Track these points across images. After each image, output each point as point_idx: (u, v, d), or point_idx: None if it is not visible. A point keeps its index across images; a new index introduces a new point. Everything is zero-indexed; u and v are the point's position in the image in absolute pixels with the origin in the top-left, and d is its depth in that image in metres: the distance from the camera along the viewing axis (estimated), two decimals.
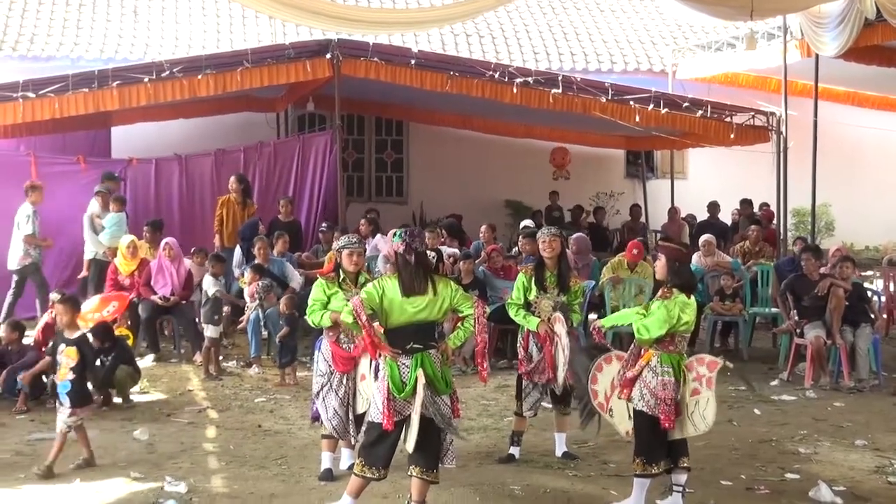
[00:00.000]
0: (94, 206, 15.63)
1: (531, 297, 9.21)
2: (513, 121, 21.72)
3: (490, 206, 22.46)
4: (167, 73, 15.59)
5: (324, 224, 16.86)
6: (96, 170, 16.72)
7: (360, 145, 24.31)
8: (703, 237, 15.85)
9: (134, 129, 19.43)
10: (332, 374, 8.45)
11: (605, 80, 18.89)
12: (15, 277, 15.10)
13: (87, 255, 15.52)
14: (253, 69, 16.08)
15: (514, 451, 9.34)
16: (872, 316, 13.42)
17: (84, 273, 15.55)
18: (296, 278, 14.55)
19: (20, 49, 21.71)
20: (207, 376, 12.88)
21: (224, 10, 24.22)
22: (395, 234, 7.68)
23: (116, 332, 12.38)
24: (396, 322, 7.38)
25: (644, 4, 27.10)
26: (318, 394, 8.57)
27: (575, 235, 15.51)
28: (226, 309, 14.02)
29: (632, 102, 17.48)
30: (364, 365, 8.23)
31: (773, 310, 14.73)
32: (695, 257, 14.89)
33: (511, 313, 9.30)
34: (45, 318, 12.12)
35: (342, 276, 8.50)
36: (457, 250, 15.23)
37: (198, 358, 13.52)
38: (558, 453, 9.41)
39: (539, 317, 9.11)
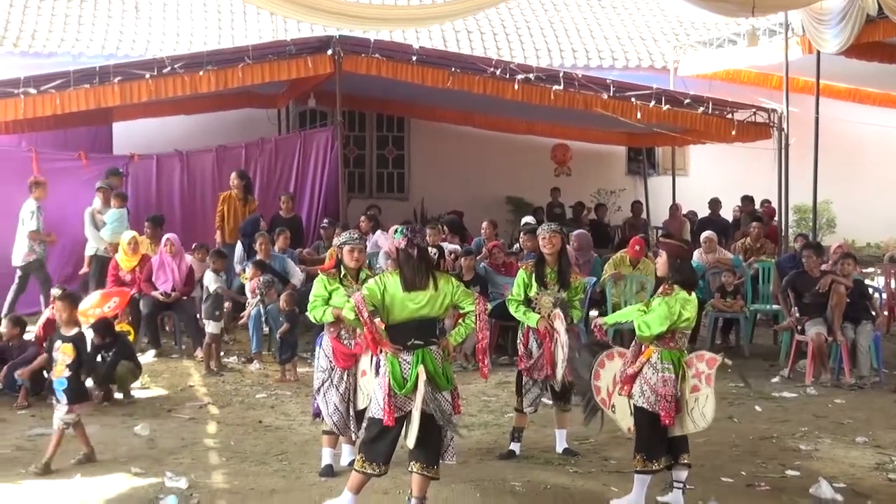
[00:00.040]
0: (96, 202, 15.64)
1: (532, 293, 9.21)
2: (514, 117, 21.70)
3: (491, 202, 22.46)
4: (168, 69, 15.56)
5: (325, 220, 16.87)
6: (97, 166, 16.72)
7: (361, 141, 24.30)
8: (705, 234, 15.86)
9: (135, 126, 19.41)
10: (332, 369, 8.46)
11: (606, 76, 18.87)
12: (18, 273, 15.11)
13: (88, 251, 15.52)
14: (254, 65, 16.05)
15: (515, 447, 9.35)
16: (873, 313, 13.41)
17: (85, 269, 15.55)
18: (297, 275, 14.56)
19: (21, 45, 21.68)
20: (208, 372, 12.89)
21: (225, 6, 24.21)
22: (396, 230, 7.69)
23: (117, 328, 12.38)
24: (398, 318, 7.39)
25: (645, 1, 27.07)
26: (318, 390, 8.58)
27: (576, 232, 15.53)
28: (227, 305, 14.03)
29: (633, 99, 17.45)
30: (365, 361, 8.25)
31: (775, 307, 14.74)
32: (696, 254, 14.89)
33: (511, 310, 9.31)
34: (46, 314, 12.11)
35: (343, 273, 8.51)
36: (458, 247, 15.24)
37: (199, 354, 13.53)
38: (559, 450, 9.42)
39: (539, 313, 9.11)
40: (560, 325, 8.97)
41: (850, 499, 8.26)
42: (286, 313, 12.99)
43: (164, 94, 15.91)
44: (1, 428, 10.21)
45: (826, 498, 8.23)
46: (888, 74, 19.18)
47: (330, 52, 16.37)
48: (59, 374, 8.90)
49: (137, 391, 11.83)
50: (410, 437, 7.40)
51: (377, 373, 7.58)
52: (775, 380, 12.83)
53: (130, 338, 12.91)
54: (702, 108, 17.92)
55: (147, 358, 13.33)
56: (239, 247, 15.53)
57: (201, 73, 15.66)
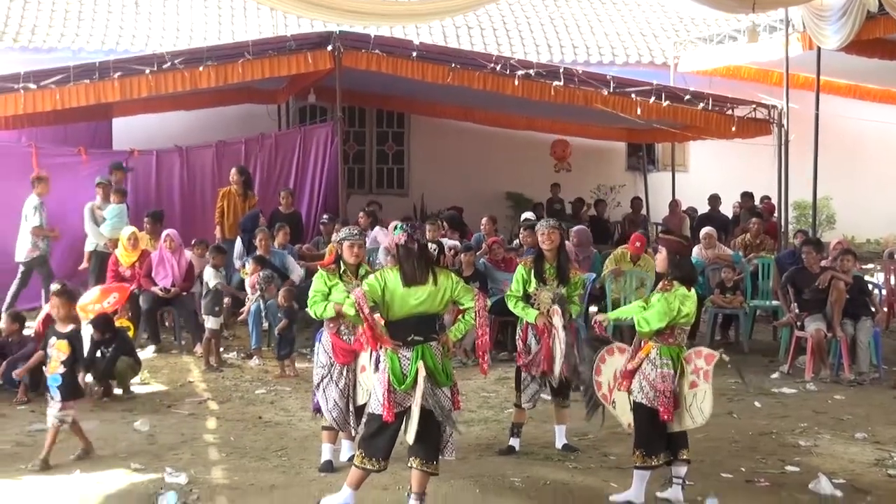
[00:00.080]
0: (96, 197, 15.64)
1: (530, 289, 9.21)
2: (514, 113, 21.71)
3: (491, 198, 22.45)
4: (168, 64, 15.56)
5: (325, 216, 16.87)
6: (97, 161, 16.74)
7: (361, 137, 24.30)
8: (704, 230, 15.85)
9: (135, 121, 19.42)
10: (332, 365, 8.46)
11: (606, 72, 18.86)
12: (21, 269, 15.11)
13: (88, 246, 15.53)
14: (254, 61, 16.05)
15: (515, 442, 9.36)
16: (873, 309, 13.41)
17: (84, 265, 15.55)
18: (296, 271, 14.56)
19: (21, 40, 21.69)
20: (208, 367, 12.89)
21: (225, 1, 24.24)
22: (396, 227, 7.71)
23: (117, 324, 12.40)
24: (398, 314, 7.40)
25: None
26: (318, 385, 8.58)
27: (576, 228, 15.52)
28: (226, 300, 14.03)
29: (633, 95, 17.45)
30: (364, 357, 8.25)
31: (774, 303, 14.74)
32: (696, 250, 14.89)
33: (510, 305, 9.31)
34: (45, 310, 12.09)
35: (343, 268, 8.50)
36: (458, 242, 15.23)
37: (198, 349, 13.54)
38: (558, 445, 9.42)
39: (538, 309, 9.11)
40: (558, 321, 8.97)
41: (849, 495, 8.26)
42: (284, 309, 12.99)
43: (163, 90, 15.90)
44: (0, 423, 10.21)
45: (825, 494, 8.23)
46: (888, 71, 19.19)
47: (330, 47, 16.37)
48: (54, 371, 8.90)
49: (137, 387, 11.83)
50: (410, 433, 7.41)
51: (377, 368, 7.59)
52: (775, 376, 12.83)
53: (130, 333, 12.93)
54: (702, 105, 17.92)
55: (147, 353, 13.33)
56: (238, 242, 15.53)
57: (201, 68, 15.66)
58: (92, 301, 13.32)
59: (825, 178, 17.67)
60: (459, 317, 7.64)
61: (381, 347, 7.41)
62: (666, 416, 7.81)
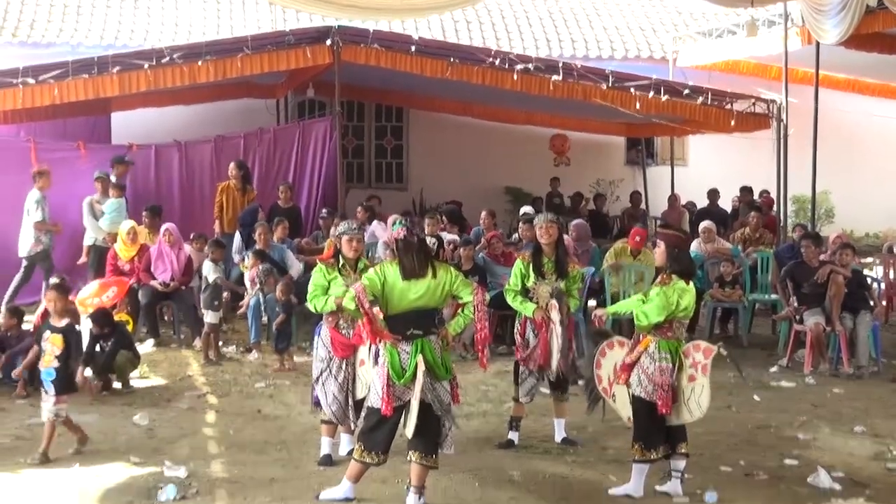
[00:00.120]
0: (94, 192, 15.65)
1: (529, 283, 9.22)
2: (513, 107, 21.67)
3: (490, 192, 22.42)
4: (167, 59, 15.53)
5: (324, 210, 16.87)
6: (96, 156, 16.71)
7: (359, 132, 24.25)
8: (703, 224, 15.86)
9: (134, 116, 19.39)
10: (331, 359, 8.48)
11: (605, 66, 18.85)
12: (24, 263, 15.11)
13: (87, 241, 15.53)
14: (253, 55, 16.02)
15: (514, 436, 9.37)
16: (872, 303, 13.44)
17: (83, 259, 15.55)
18: (295, 266, 14.54)
19: (20, 35, 21.65)
20: (207, 362, 12.89)
21: None
22: (395, 222, 7.75)
23: (116, 318, 12.41)
24: (397, 308, 7.43)
25: None
26: (317, 379, 8.60)
27: (575, 222, 15.52)
28: (225, 295, 14.03)
29: (632, 89, 17.43)
30: (363, 350, 8.26)
31: (773, 296, 14.73)
32: (695, 244, 14.89)
33: (509, 300, 9.32)
34: (44, 304, 12.11)
35: (342, 262, 8.51)
36: (457, 237, 15.23)
37: (197, 343, 13.54)
38: (557, 439, 9.44)
39: (537, 303, 9.12)
40: (556, 315, 8.98)
41: (847, 488, 8.28)
42: (282, 303, 13.01)
43: (162, 85, 15.89)
44: (0, 417, 10.21)
45: (824, 487, 8.26)
46: (888, 65, 19.16)
47: (329, 42, 16.34)
48: (48, 365, 8.89)
49: (136, 381, 11.84)
50: (409, 427, 7.43)
51: (376, 362, 7.61)
52: (774, 369, 12.84)
53: (129, 327, 12.94)
54: (701, 99, 17.89)
55: (146, 348, 13.32)
56: (237, 237, 15.52)
57: (200, 63, 15.64)
58: (91, 295, 13.32)
59: (824, 172, 17.64)
60: (459, 311, 7.67)
61: (380, 341, 7.43)
62: (664, 410, 7.83)
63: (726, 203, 21.03)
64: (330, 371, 8.48)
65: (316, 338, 8.72)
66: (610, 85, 17.37)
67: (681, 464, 8.03)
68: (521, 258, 9.44)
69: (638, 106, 17.40)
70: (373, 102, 23.83)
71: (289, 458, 8.90)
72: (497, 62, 16.98)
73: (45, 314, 11.31)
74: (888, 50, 17.89)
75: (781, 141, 17.64)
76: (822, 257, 13.46)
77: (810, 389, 11.97)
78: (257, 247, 14.30)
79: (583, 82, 17.32)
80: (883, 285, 16.02)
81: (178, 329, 14.35)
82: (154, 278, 14.08)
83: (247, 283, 13.91)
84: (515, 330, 9.49)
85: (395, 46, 16.87)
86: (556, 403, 9.49)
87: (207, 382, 11.97)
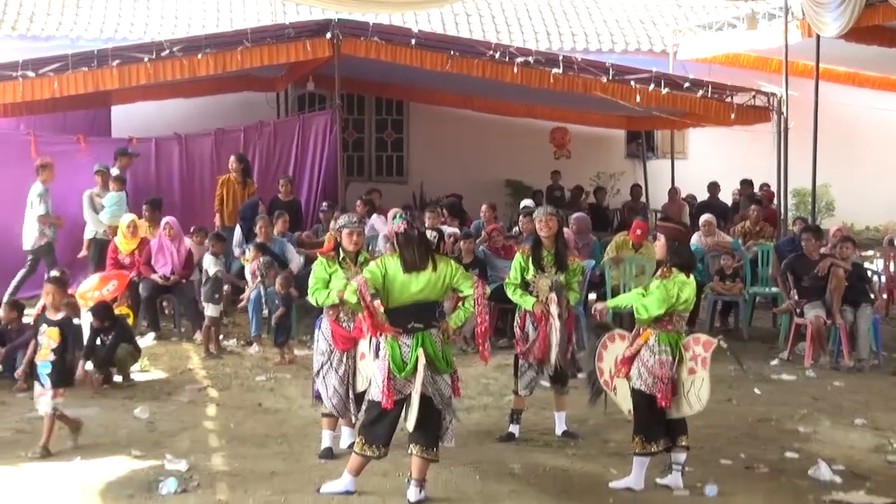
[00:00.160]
0: (94, 185, 15.65)
1: (529, 276, 9.22)
2: (513, 101, 21.68)
3: (490, 185, 22.42)
4: (167, 52, 15.54)
5: (324, 204, 16.86)
6: (96, 149, 16.70)
7: (360, 125, 24.27)
8: (704, 217, 15.84)
9: (133, 109, 19.39)
10: (332, 352, 8.48)
11: (605, 60, 18.86)
12: (30, 257, 15.10)
13: (87, 234, 15.51)
14: (253, 49, 16.03)
15: (514, 429, 9.38)
16: (872, 296, 13.43)
17: (84, 253, 15.54)
18: (295, 259, 14.54)
19: (20, 28, 21.66)
20: (208, 355, 12.89)
21: None
22: (395, 216, 7.75)
23: (116, 311, 12.41)
24: (398, 302, 7.44)
25: None
26: (318, 372, 8.60)
27: (575, 215, 15.52)
28: (226, 288, 14.03)
29: (632, 83, 17.43)
30: (364, 343, 8.27)
31: (774, 290, 14.74)
32: (695, 237, 14.89)
33: (509, 293, 9.33)
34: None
35: (342, 255, 8.51)
36: (457, 230, 15.22)
37: (198, 337, 13.53)
38: (558, 432, 9.44)
39: (537, 296, 9.12)
40: (554, 309, 8.98)
41: (848, 480, 8.27)
42: (282, 297, 13.01)
43: (162, 78, 15.88)
44: (1, 411, 10.22)
45: (825, 480, 8.25)
46: (888, 58, 19.15)
47: (329, 35, 16.35)
48: (44, 358, 8.88)
49: (137, 374, 11.84)
50: (410, 420, 7.45)
51: (376, 355, 7.62)
52: (774, 363, 12.83)
53: (130, 321, 12.94)
54: (701, 92, 17.90)
55: (146, 341, 13.33)
56: (238, 230, 15.51)
57: (200, 56, 15.64)
58: (91, 288, 13.35)
59: (824, 165, 17.64)
60: (459, 304, 7.68)
61: (380, 335, 7.43)
62: (663, 403, 7.83)
63: (727, 196, 21.02)
64: (331, 364, 8.49)
65: (317, 331, 8.72)
66: (610, 78, 17.38)
67: (681, 457, 8.04)
68: (521, 251, 9.44)
69: (638, 99, 17.41)
70: (373, 95, 23.85)
71: (290, 452, 8.90)
72: (497, 55, 16.99)
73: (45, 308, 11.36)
74: (888, 43, 17.90)
75: (782, 134, 17.64)
76: (822, 250, 13.44)
77: (811, 382, 11.97)
78: (258, 240, 14.29)
79: (583, 75, 17.33)
80: (883, 278, 16.01)
81: (178, 322, 14.36)
82: (154, 272, 14.08)
83: (247, 276, 13.90)
84: (515, 323, 9.48)
85: (395, 39, 16.87)
86: (557, 396, 9.49)
87: (208, 376, 11.97)
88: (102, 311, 11.72)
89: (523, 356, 9.23)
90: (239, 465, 8.47)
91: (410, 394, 7.44)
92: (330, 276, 8.42)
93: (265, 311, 13.60)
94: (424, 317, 7.49)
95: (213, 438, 9.42)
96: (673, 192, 21.51)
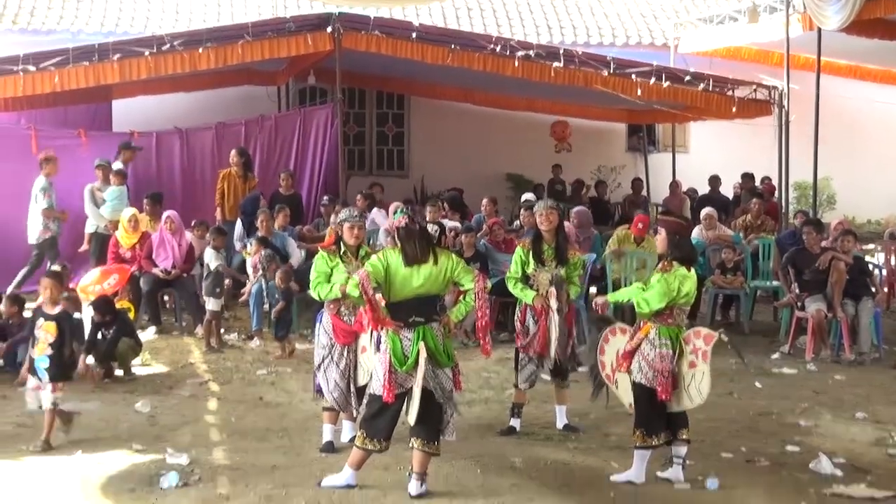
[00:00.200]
0: (95, 179, 15.65)
1: (529, 270, 9.23)
2: (514, 94, 21.64)
3: (491, 179, 22.42)
4: (168, 46, 15.50)
5: (325, 198, 16.86)
6: (97, 143, 16.69)
7: (361, 119, 24.24)
8: (705, 210, 15.86)
9: (134, 103, 19.36)
10: (333, 346, 8.49)
11: (606, 53, 18.81)
12: (35, 251, 15.11)
13: (88, 228, 15.52)
14: (253, 42, 15.98)
15: (515, 423, 9.39)
16: (873, 289, 13.43)
17: (85, 247, 15.55)
18: (296, 255, 14.53)
19: (20, 22, 21.64)
20: (209, 349, 12.91)
21: None
22: (396, 211, 7.77)
23: (117, 305, 12.40)
24: (399, 295, 7.45)
25: None
26: (319, 366, 8.61)
27: (576, 209, 15.54)
28: (227, 282, 14.03)
29: (633, 76, 17.39)
30: (365, 337, 8.27)
31: (775, 283, 14.75)
32: (696, 231, 14.90)
33: (509, 286, 9.34)
34: None
35: (343, 250, 8.52)
36: (458, 224, 15.23)
37: (199, 331, 13.55)
38: (559, 426, 9.46)
39: (537, 290, 9.12)
40: (554, 303, 8.99)
41: (849, 474, 8.28)
42: (282, 291, 13.01)
43: (163, 72, 15.85)
44: (2, 405, 10.24)
45: (826, 473, 8.26)
46: (889, 51, 19.11)
47: (329, 29, 16.30)
48: (42, 352, 8.89)
49: (138, 368, 11.86)
50: (411, 414, 7.46)
51: (377, 349, 7.62)
52: (775, 356, 12.85)
53: (131, 315, 12.93)
54: (702, 85, 17.86)
55: (147, 335, 13.34)
56: (239, 224, 15.51)
57: (201, 50, 15.60)
58: (92, 283, 13.35)
59: (826, 158, 17.60)
60: (460, 298, 7.68)
61: (382, 328, 7.44)
62: (663, 396, 7.84)
63: (728, 190, 21.01)
64: (332, 358, 8.49)
65: (317, 325, 8.73)
66: (611, 71, 17.33)
67: (682, 450, 8.04)
68: (521, 245, 9.45)
69: (639, 92, 17.36)
70: (374, 89, 23.82)
71: (290, 446, 8.91)
72: (498, 49, 16.94)
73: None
74: (890, 36, 17.84)
75: (783, 127, 17.60)
76: (823, 244, 13.45)
77: (812, 376, 11.98)
78: (259, 234, 14.29)
79: (584, 69, 17.28)
80: (884, 272, 16.03)
81: (179, 316, 14.37)
82: (155, 266, 14.09)
83: (249, 269, 13.91)
84: (516, 317, 9.50)
85: (395, 33, 16.83)
86: (558, 390, 9.50)
87: (209, 370, 11.99)
88: (103, 305, 11.73)
89: (523, 350, 9.24)
90: (240, 458, 8.48)
91: (412, 387, 7.44)
92: (331, 270, 8.42)
93: (266, 306, 13.61)
94: (426, 310, 7.50)
95: (215, 432, 9.44)
96: (674, 185, 21.49)
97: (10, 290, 13.85)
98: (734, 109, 18.17)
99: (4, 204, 15.49)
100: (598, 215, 18.65)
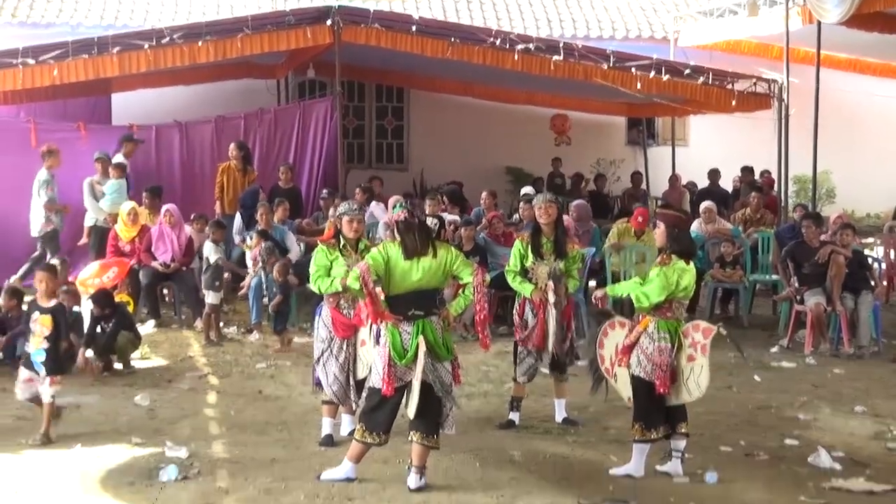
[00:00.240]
0: (94, 172, 15.65)
1: (528, 263, 9.23)
2: (514, 88, 21.65)
3: (491, 172, 22.41)
4: (167, 39, 15.51)
5: (324, 191, 16.86)
6: (96, 136, 16.69)
7: (360, 112, 24.25)
8: (704, 204, 15.85)
9: (134, 96, 19.37)
10: (332, 339, 8.49)
11: (606, 47, 18.81)
12: (39, 243, 15.11)
13: (88, 221, 15.51)
14: (253, 36, 15.98)
15: (514, 416, 9.39)
16: (873, 283, 13.43)
17: (84, 240, 15.54)
18: (294, 249, 14.50)
19: (20, 15, 21.65)
20: (208, 342, 12.90)
21: None
22: (395, 205, 7.77)
23: (117, 299, 12.41)
24: (399, 288, 7.46)
25: None
26: (318, 360, 8.60)
27: (575, 202, 15.53)
28: (226, 275, 14.03)
29: (633, 69, 17.40)
30: (364, 330, 8.26)
31: (774, 277, 14.74)
32: (695, 224, 14.90)
33: (508, 280, 9.34)
34: None
35: (342, 243, 8.51)
36: (458, 217, 15.22)
37: (198, 324, 13.54)
38: (558, 419, 9.46)
39: (536, 283, 9.13)
40: (551, 296, 8.99)
41: (848, 467, 8.29)
42: (279, 284, 13.01)
43: (162, 65, 15.86)
44: (1, 398, 10.22)
45: (824, 467, 8.27)
46: (889, 44, 19.11)
47: (329, 22, 16.30)
48: (38, 346, 8.88)
49: (137, 362, 11.85)
50: (410, 407, 7.47)
51: (377, 342, 7.62)
52: (774, 350, 12.85)
53: (130, 308, 12.93)
54: (702, 79, 17.87)
55: (147, 328, 13.34)
56: (238, 218, 15.51)
57: (200, 43, 15.60)
58: (91, 276, 13.36)
59: (825, 152, 17.62)
60: (459, 291, 7.68)
61: (381, 322, 7.44)
62: (662, 390, 7.84)
63: (727, 183, 20.99)
64: (331, 351, 8.49)
65: (317, 318, 8.72)
66: (611, 65, 17.35)
67: (681, 444, 8.05)
68: (521, 239, 9.45)
69: (639, 86, 17.38)
70: (373, 83, 23.82)
71: (290, 439, 8.91)
72: (498, 42, 16.94)
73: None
74: (889, 29, 17.85)
75: (782, 121, 17.62)
76: (822, 237, 13.45)
77: (811, 370, 11.98)
78: (259, 227, 14.29)
79: (584, 62, 17.30)
80: (884, 265, 16.02)
81: (178, 310, 14.37)
82: (155, 259, 14.08)
83: (248, 263, 13.91)
84: (514, 310, 9.49)
85: (395, 26, 16.82)
86: (557, 384, 9.50)
87: (208, 363, 11.98)
88: (103, 298, 11.73)
89: (522, 343, 9.24)
90: (239, 452, 8.49)
91: (411, 381, 7.45)
92: (331, 264, 8.42)
93: (265, 299, 13.61)
94: (425, 304, 7.50)
95: (214, 426, 9.44)
96: (673, 179, 21.48)
97: (12, 280, 13.84)
98: (734, 103, 18.21)
99: (3, 197, 15.47)
100: (598, 209, 18.65)
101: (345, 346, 8.47)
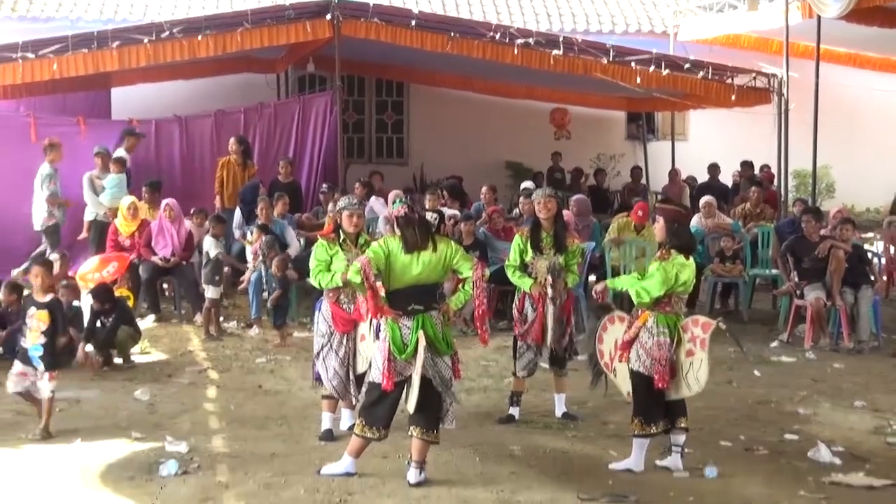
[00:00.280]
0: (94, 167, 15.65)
1: (527, 258, 9.23)
2: (514, 82, 21.64)
3: (491, 167, 22.42)
4: (167, 33, 15.49)
5: (324, 185, 16.85)
6: (96, 131, 16.68)
7: (360, 106, 24.24)
8: (704, 199, 15.84)
9: (133, 91, 19.35)
10: (332, 334, 8.49)
11: (606, 41, 18.81)
12: (44, 238, 15.11)
13: (88, 216, 15.52)
14: (253, 30, 15.96)
15: (514, 411, 9.39)
16: (872, 278, 13.43)
17: (84, 234, 15.54)
18: (294, 244, 14.50)
19: (19, 9, 21.63)
20: (208, 337, 12.91)
21: None
22: (395, 200, 7.76)
23: (117, 293, 12.40)
24: (399, 283, 7.45)
25: None
26: (318, 354, 8.61)
27: (575, 197, 15.54)
28: (226, 270, 14.03)
29: (633, 64, 17.38)
30: (364, 325, 8.26)
31: (774, 271, 14.74)
32: (695, 219, 14.88)
33: (508, 274, 9.34)
34: None
35: (342, 237, 8.51)
36: (457, 212, 15.21)
37: (198, 319, 13.56)
38: (558, 414, 9.46)
39: (536, 278, 9.13)
40: (549, 291, 9.00)
41: (848, 462, 8.29)
42: (278, 279, 13.01)
43: (162, 59, 15.85)
44: (1, 392, 10.21)
45: (824, 461, 8.27)
46: (888, 39, 19.08)
47: (329, 16, 16.29)
48: (35, 341, 8.86)
49: (137, 356, 11.86)
50: (410, 402, 7.47)
51: (377, 337, 7.62)
52: (774, 344, 12.85)
53: (130, 303, 12.93)
54: (701, 73, 17.85)
55: (147, 323, 13.35)
56: (238, 213, 15.50)
57: (200, 37, 15.59)
58: (91, 270, 13.35)
59: (825, 146, 17.60)
60: (459, 286, 7.68)
61: (381, 316, 7.44)
62: (661, 384, 7.84)
63: (727, 178, 20.98)
64: (331, 346, 8.50)
65: (317, 313, 8.73)
66: (610, 59, 17.32)
67: (681, 438, 8.05)
68: (520, 233, 9.45)
69: (638, 80, 17.36)
70: (373, 77, 23.81)
71: (290, 434, 8.92)
72: (497, 36, 16.93)
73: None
74: (889, 24, 17.82)
75: (782, 115, 17.60)
76: (822, 232, 13.44)
77: (811, 364, 11.98)
78: (259, 221, 14.29)
79: (583, 56, 17.28)
80: (883, 260, 16.02)
81: (178, 304, 14.38)
82: (155, 254, 14.09)
83: (249, 257, 13.91)
84: (514, 305, 9.50)
85: (395, 21, 16.81)
86: (556, 378, 9.50)
87: (208, 358, 12.00)
88: (103, 293, 11.73)
89: (521, 338, 9.24)
90: (239, 446, 8.49)
91: (411, 376, 7.45)
92: (331, 259, 8.41)
93: (265, 293, 13.60)
94: (425, 299, 7.50)
95: (214, 420, 9.44)
96: (673, 173, 21.49)
97: (14, 273, 13.83)
98: (733, 97, 18.17)
99: (3, 192, 15.46)
100: (597, 203, 18.65)
101: (345, 341, 8.47)
